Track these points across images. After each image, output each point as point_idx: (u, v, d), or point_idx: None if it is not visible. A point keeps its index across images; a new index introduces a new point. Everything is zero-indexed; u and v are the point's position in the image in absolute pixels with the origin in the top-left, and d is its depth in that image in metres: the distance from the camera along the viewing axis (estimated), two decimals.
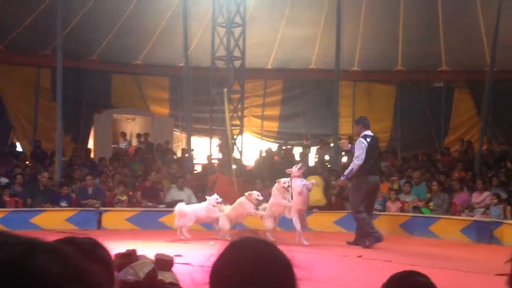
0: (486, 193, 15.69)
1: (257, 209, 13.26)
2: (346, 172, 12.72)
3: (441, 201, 15.92)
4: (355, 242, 12.62)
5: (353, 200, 12.98)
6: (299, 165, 13.18)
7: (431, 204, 16.14)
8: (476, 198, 15.86)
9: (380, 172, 12.94)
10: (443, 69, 22.88)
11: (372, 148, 12.61)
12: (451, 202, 16.02)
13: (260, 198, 13.26)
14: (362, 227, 12.57)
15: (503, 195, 15.47)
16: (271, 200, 13.08)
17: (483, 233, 14.46)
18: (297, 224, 12.62)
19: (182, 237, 13.24)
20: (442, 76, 23.42)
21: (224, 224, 13.31)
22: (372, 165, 12.55)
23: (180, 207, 13.69)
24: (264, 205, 13.23)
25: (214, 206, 13.49)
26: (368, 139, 12.56)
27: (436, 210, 15.85)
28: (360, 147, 12.45)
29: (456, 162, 19.37)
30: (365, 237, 12.46)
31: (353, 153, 12.83)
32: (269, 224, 12.91)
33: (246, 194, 13.48)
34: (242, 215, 13.48)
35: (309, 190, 12.91)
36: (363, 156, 12.31)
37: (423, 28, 21.79)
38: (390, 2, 21.40)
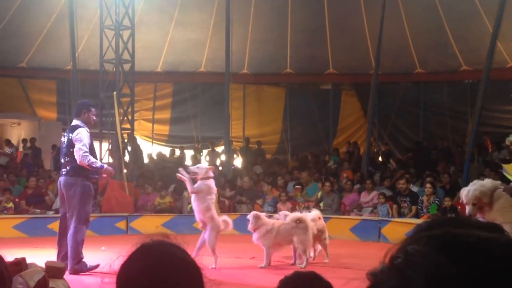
0: (374, 193, 16.17)
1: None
2: None
3: (331, 201, 16.25)
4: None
5: None
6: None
7: (321, 204, 16.44)
8: (364, 197, 16.31)
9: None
10: (331, 71, 23.37)
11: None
12: (340, 202, 16.38)
13: None
14: None
15: (388, 193, 15.98)
16: None
17: (371, 231, 14.88)
18: None
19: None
20: (330, 79, 23.96)
21: None
22: None
23: None
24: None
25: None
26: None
27: (326, 210, 16.16)
28: None
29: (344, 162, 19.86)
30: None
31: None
32: None
33: None
34: None
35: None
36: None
37: (311, 32, 22.23)
38: (278, 7, 21.72)
